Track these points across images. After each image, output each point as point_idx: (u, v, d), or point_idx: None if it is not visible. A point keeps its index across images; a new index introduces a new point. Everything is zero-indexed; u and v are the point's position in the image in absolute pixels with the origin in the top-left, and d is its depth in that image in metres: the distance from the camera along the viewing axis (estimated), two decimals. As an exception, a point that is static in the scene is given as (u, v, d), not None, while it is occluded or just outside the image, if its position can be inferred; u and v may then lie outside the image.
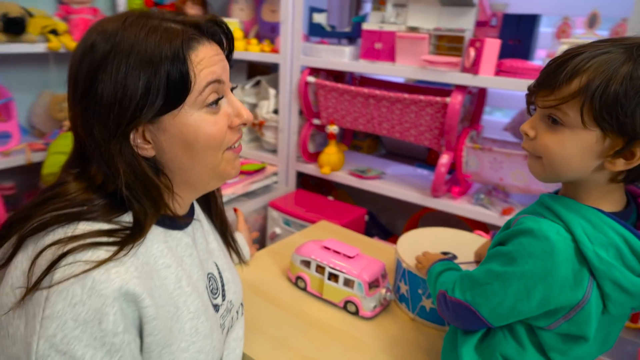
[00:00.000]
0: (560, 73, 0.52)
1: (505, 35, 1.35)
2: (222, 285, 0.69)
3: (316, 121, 1.64)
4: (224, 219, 0.78)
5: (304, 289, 0.95)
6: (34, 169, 1.52)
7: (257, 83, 1.86)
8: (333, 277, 0.90)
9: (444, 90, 1.56)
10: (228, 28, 0.60)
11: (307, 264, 0.94)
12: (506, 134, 1.58)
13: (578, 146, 0.53)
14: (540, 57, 1.36)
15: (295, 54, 1.59)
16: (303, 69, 1.60)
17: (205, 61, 0.54)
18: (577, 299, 0.54)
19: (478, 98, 1.48)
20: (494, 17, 1.38)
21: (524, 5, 1.51)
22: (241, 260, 0.84)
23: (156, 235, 0.57)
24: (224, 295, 0.69)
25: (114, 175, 0.52)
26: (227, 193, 1.51)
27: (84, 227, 0.50)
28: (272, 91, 1.73)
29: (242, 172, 1.64)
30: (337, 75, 1.71)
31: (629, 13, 1.04)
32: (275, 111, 1.72)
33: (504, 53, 1.31)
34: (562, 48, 1.18)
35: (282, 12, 1.55)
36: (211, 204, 0.76)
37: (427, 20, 1.35)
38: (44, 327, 0.45)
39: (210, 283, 0.66)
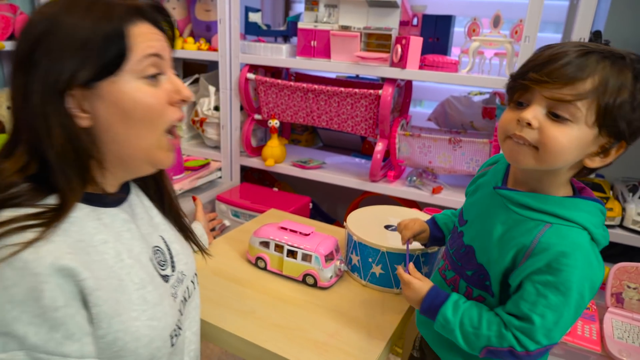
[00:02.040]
0: (574, 69, 0.54)
1: (426, 33, 1.51)
2: (171, 257, 0.72)
3: (257, 116, 1.71)
4: (176, 211, 0.79)
5: (264, 269, 1.03)
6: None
7: (195, 81, 1.88)
8: (291, 253, 0.99)
9: (372, 83, 1.70)
10: (168, 14, 0.62)
11: (266, 244, 1.02)
12: (429, 123, 1.76)
13: (579, 141, 0.56)
14: (456, 54, 1.54)
15: (234, 52, 1.64)
16: (242, 66, 1.66)
17: (144, 36, 0.57)
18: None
19: (405, 90, 1.64)
20: (414, 17, 1.54)
21: (440, 7, 1.70)
22: (201, 249, 0.85)
23: (87, 214, 0.58)
24: (173, 267, 0.71)
25: (44, 143, 0.52)
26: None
27: (8, 213, 0.50)
28: (211, 88, 1.76)
29: (187, 168, 1.66)
30: (274, 72, 1.79)
31: (525, 15, 1.23)
32: (216, 108, 1.76)
33: (425, 49, 1.47)
34: (474, 45, 1.36)
35: (219, 11, 1.60)
36: (164, 198, 0.77)
37: (357, 19, 1.48)
38: None
39: (157, 255, 0.68)
